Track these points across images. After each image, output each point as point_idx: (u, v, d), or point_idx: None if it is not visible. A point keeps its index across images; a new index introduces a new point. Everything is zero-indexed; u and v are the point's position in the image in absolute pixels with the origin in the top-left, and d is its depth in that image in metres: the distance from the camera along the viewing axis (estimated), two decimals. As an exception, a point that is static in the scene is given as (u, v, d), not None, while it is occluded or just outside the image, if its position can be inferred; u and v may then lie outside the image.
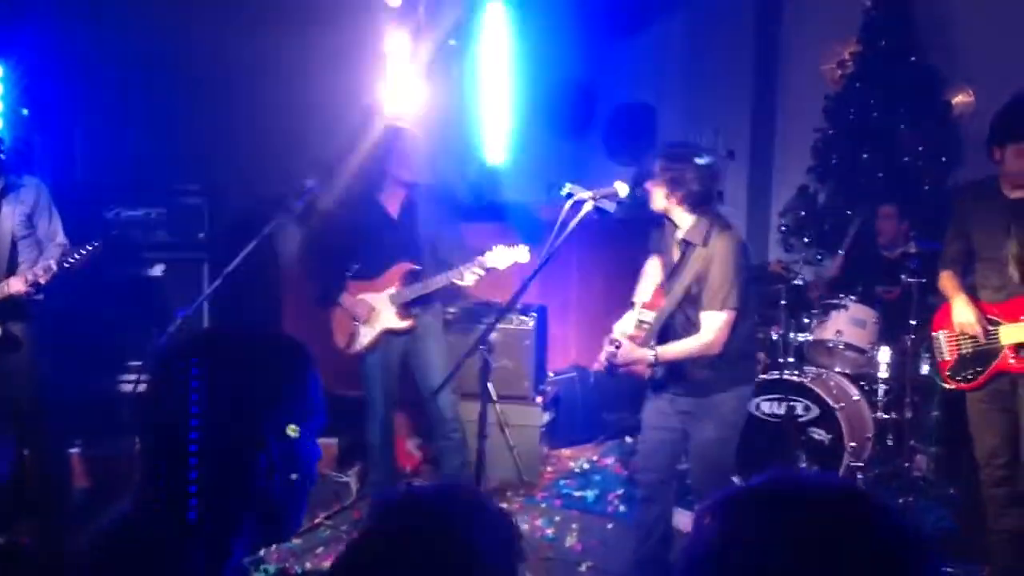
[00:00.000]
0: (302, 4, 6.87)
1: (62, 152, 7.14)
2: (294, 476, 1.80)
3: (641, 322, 4.69)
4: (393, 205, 5.82)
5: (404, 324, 5.80)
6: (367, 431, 5.97)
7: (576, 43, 9.18)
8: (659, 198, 4.59)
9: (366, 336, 5.81)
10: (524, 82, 8.12)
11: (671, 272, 4.69)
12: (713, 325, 4.48)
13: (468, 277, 5.56)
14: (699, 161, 4.54)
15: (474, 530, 1.71)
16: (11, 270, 5.47)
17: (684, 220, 4.60)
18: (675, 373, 4.68)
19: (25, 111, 6.57)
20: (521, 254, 5.40)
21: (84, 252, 5.37)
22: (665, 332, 4.65)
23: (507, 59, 7.94)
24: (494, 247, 5.50)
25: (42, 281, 5.35)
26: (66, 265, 5.36)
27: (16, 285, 5.35)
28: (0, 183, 5.49)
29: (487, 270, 5.51)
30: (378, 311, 5.79)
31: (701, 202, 4.55)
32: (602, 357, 4.62)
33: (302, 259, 6.96)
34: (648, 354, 4.52)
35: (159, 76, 6.93)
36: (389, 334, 5.82)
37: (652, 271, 4.85)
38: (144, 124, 7.00)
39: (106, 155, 7.18)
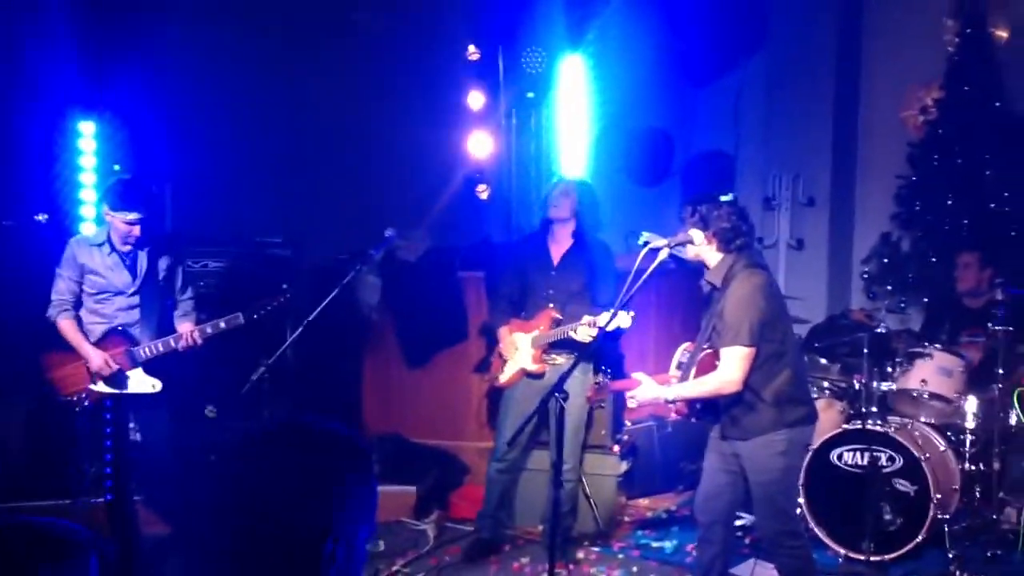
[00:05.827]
0: (383, 58, 7.02)
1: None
2: None
3: (680, 363, 4.81)
4: (557, 252, 6.05)
5: (535, 367, 5.98)
6: (489, 465, 6.22)
7: (653, 92, 9.22)
8: (690, 248, 4.66)
9: (506, 373, 6.09)
10: (602, 131, 8.16)
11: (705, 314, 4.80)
12: (726, 361, 4.52)
13: (582, 333, 5.62)
14: (724, 198, 4.67)
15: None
16: None
17: (712, 261, 4.66)
18: (709, 411, 4.73)
19: (117, 167, 6.79)
20: (624, 319, 5.28)
21: (276, 303, 5.47)
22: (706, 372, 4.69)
23: (585, 109, 7.99)
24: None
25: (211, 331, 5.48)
26: (255, 317, 5.44)
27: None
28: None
29: (598, 329, 5.48)
30: (520, 350, 6.01)
31: (731, 240, 4.61)
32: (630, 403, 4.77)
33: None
34: (665, 392, 4.60)
35: (245, 131, 7.11)
36: (527, 376, 6.00)
37: None
38: (231, 178, 7.19)
39: (194, 207, 7.37)
